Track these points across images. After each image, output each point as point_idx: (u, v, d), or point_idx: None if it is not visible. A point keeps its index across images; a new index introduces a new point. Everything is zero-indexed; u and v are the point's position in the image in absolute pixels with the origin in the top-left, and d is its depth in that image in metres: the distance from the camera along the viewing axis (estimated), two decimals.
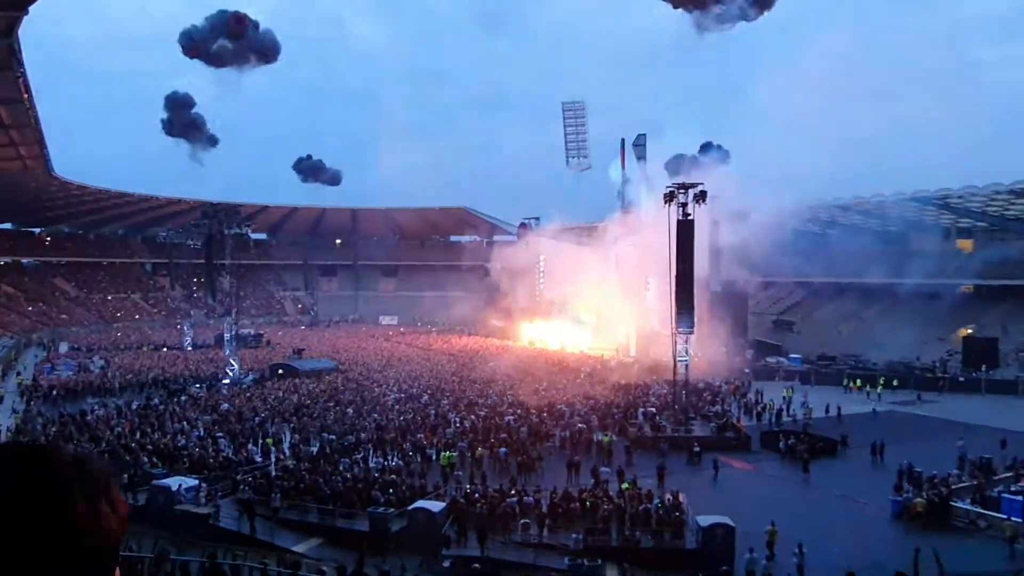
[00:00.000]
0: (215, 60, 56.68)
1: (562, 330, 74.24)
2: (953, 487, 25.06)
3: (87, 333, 76.95)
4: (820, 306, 71.46)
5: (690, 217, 37.94)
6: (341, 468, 26.97)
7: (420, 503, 22.35)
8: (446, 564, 20.26)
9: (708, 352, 52.24)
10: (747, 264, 59.80)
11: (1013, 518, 21.62)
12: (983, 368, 50.14)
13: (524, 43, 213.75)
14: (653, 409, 38.57)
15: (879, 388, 46.76)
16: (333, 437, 31.76)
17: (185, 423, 34.66)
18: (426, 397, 41.46)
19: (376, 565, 18.70)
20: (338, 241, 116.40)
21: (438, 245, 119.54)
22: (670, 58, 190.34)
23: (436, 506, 22.22)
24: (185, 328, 69.77)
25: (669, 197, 38.11)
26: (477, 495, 23.71)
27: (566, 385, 46.29)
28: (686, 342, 38.05)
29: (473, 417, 35.78)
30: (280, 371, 50.90)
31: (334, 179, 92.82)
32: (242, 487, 24.70)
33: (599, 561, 19.47)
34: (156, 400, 41.00)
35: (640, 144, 73.06)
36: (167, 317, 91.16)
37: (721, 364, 52.04)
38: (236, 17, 56.17)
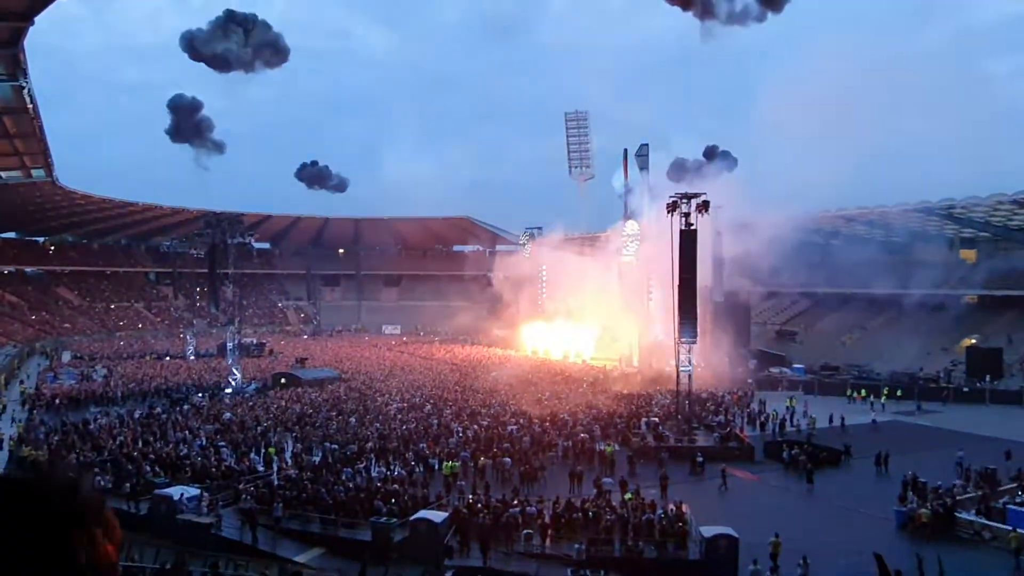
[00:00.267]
0: (221, 63, 55.60)
1: (565, 338, 74.17)
2: (957, 498, 24.93)
3: (90, 342, 77.03)
4: (823, 316, 71.37)
5: (693, 227, 37.93)
6: (343, 478, 26.91)
7: (422, 513, 22.27)
8: (448, 575, 20.19)
9: (711, 362, 52.16)
10: (750, 274, 59.77)
11: (1019, 529, 21.49)
12: (987, 378, 49.96)
13: (530, 53, 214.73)
14: (656, 419, 38.46)
15: (883, 399, 46.58)
16: (336, 447, 31.70)
17: (187, 432, 34.62)
18: (429, 407, 41.38)
19: (378, 575, 18.64)
20: (341, 251, 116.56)
21: (441, 255, 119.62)
22: (674, 69, 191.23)
23: (438, 516, 22.14)
24: (188, 337, 69.83)
25: (672, 207, 38.10)
26: (480, 505, 23.63)
27: (569, 395, 46.19)
28: (689, 352, 37.99)
29: (476, 427, 35.69)
30: (283, 380, 50.89)
31: (340, 185, 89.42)
32: (244, 497, 24.64)
33: (602, 572, 19.40)
34: (159, 409, 40.96)
35: (643, 154, 73.10)
36: (170, 326, 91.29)
37: (724, 374, 51.93)
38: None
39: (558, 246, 79.59)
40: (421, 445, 32.21)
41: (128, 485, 25.75)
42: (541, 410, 40.08)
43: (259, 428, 35.75)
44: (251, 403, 43.28)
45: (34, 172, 60.04)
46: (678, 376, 37.73)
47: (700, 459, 31.40)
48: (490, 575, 19.79)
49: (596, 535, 21.88)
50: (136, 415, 38.83)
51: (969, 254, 65.78)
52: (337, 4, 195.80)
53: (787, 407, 42.21)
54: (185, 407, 41.72)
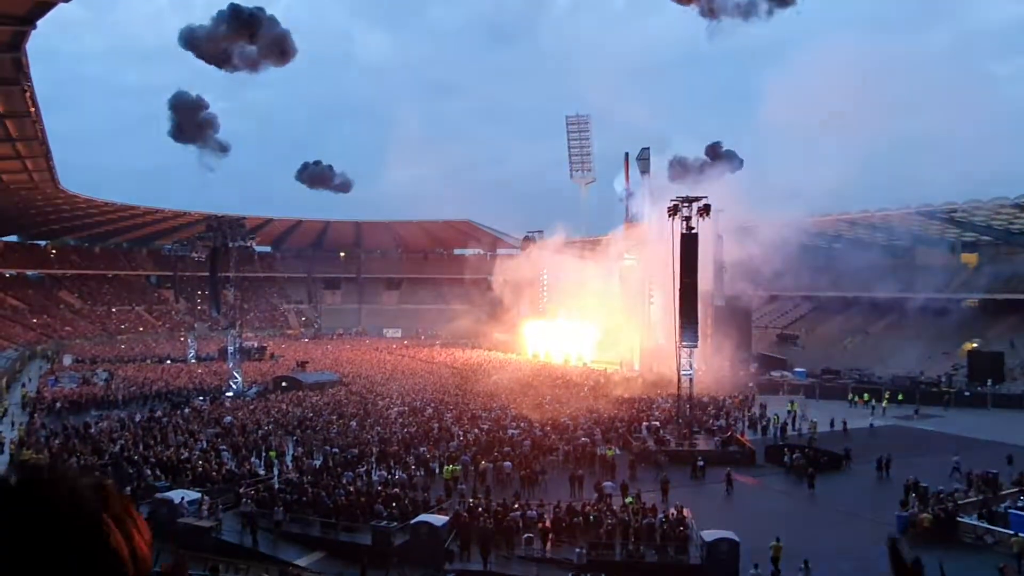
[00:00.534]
0: (224, 59, 53.47)
1: (566, 342, 74.14)
2: (959, 502, 24.88)
3: (91, 345, 77.05)
4: (825, 320, 71.31)
5: (694, 231, 37.92)
6: (344, 481, 26.91)
7: (423, 517, 22.26)
8: None
9: (712, 366, 52.10)
10: (751, 278, 59.71)
11: (1020, 533, 21.45)
12: (989, 382, 49.87)
13: (531, 57, 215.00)
14: (657, 423, 38.43)
15: (884, 403, 46.51)
16: (336, 450, 31.70)
17: (188, 436, 34.63)
18: (430, 410, 41.36)
19: None
20: (342, 254, 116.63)
21: (441, 258, 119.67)
22: (676, 72, 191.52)
23: (439, 520, 22.12)
24: (189, 341, 69.86)
25: (673, 211, 38.09)
26: (480, 509, 23.61)
27: (569, 399, 46.16)
28: (690, 356, 37.96)
29: (476, 431, 35.68)
30: (284, 384, 50.90)
31: (344, 186, 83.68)
32: (245, 500, 24.64)
33: None
34: (159, 413, 40.97)
35: (644, 158, 73.14)
36: (171, 330, 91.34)
37: (725, 378, 51.87)
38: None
39: (559, 249, 79.57)
40: (422, 449, 32.20)
41: (129, 488, 25.71)
42: (542, 414, 40.06)
43: (260, 432, 35.77)
44: (252, 407, 43.29)
45: (36, 175, 60.09)
46: (679, 380, 37.69)
47: (701, 463, 31.37)
48: None
49: (597, 539, 21.86)
50: (137, 418, 38.84)
51: (971, 258, 65.69)
52: (338, 8, 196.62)
53: (788, 411, 42.16)
54: (186, 411, 41.72)
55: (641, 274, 61.41)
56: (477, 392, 48.48)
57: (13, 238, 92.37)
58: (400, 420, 38.62)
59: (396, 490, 25.73)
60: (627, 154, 74.91)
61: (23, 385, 51.92)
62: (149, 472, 27.54)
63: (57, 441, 32.59)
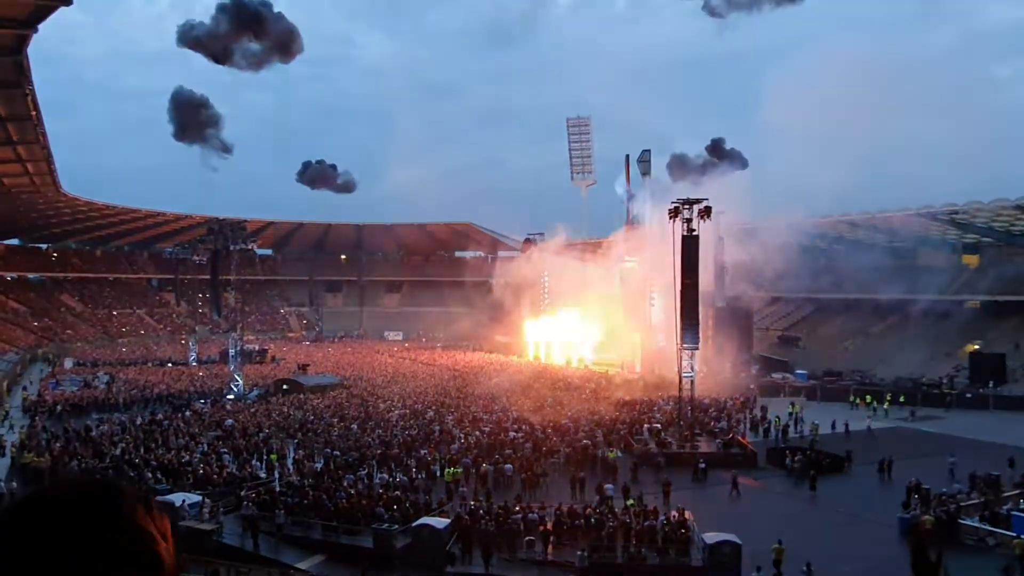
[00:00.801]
0: (225, 54, 51.19)
1: (566, 344, 74.12)
2: (961, 504, 24.83)
3: (92, 348, 77.08)
4: (826, 322, 71.25)
5: (695, 232, 37.91)
6: (345, 484, 26.88)
7: (424, 520, 22.23)
8: None
9: (713, 368, 52.06)
10: (753, 279, 59.67)
11: (1023, 535, 21.40)
12: (991, 384, 49.81)
13: (531, 59, 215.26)
14: (658, 425, 38.40)
15: (886, 404, 46.45)
16: (337, 453, 31.67)
17: (189, 439, 34.61)
18: (431, 413, 41.34)
19: None
20: (343, 257, 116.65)
21: (442, 260, 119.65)
22: (676, 75, 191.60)
23: (440, 523, 22.09)
24: (190, 343, 69.85)
25: (674, 212, 38.09)
26: (482, 512, 23.58)
27: (571, 401, 46.13)
28: (691, 358, 37.92)
29: (478, 433, 35.65)
30: (285, 387, 50.87)
31: (346, 186, 79.61)
32: (246, 503, 24.61)
33: None
34: (160, 415, 40.96)
35: (645, 160, 73.18)
36: (172, 333, 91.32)
37: (726, 380, 51.82)
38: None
39: (560, 252, 79.52)
40: (423, 451, 32.18)
41: None
42: (543, 416, 40.03)
43: (261, 434, 35.76)
44: (253, 409, 43.27)
45: (37, 179, 60.15)
46: (680, 382, 37.65)
47: (703, 465, 31.33)
48: None
49: (598, 542, 21.82)
50: (138, 421, 38.84)
51: (972, 259, 65.65)
52: (337, 11, 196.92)
53: (789, 413, 42.09)
54: (187, 413, 41.70)
55: (642, 276, 61.40)
56: (478, 395, 48.45)
57: (14, 241, 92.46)
58: (401, 423, 38.59)
59: (397, 493, 25.70)
60: (628, 156, 75.03)
61: (24, 388, 51.93)
62: (150, 475, 27.51)
63: (58, 444, 32.59)
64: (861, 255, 66.92)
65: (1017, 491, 26.58)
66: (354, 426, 37.42)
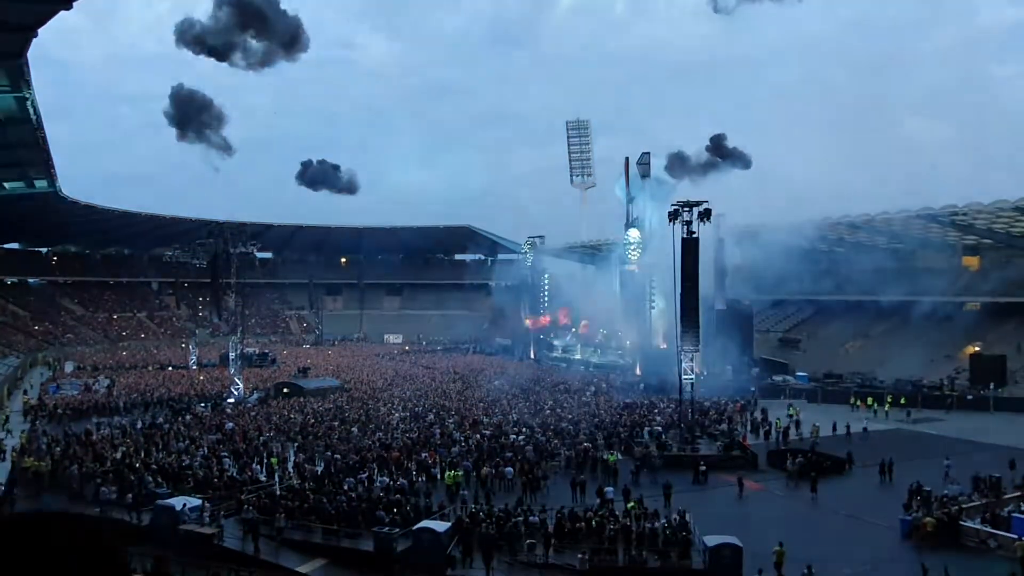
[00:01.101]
0: (226, 51, 49.62)
1: (566, 347, 74.25)
2: (963, 506, 24.79)
3: (93, 352, 77.12)
4: (827, 324, 71.25)
5: (695, 235, 37.92)
6: (346, 488, 26.85)
7: (425, 523, 22.17)
8: None
9: (714, 370, 52.08)
10: (753, 282, 59.71)
11: None
12: (991, 386, 49.81)
13: (532, 62, 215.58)
14: (659, 428, 38.38)
15: (886, 406, 46.44)
16: (338, 456, 31.63)
17: (190, 442, 34.58)
18: (431, 416, 41.32)
19: None
20: (343, 260, 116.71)
21: (442, 263, 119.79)
22: (676, 77, 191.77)
23: (441, 526, 22.04)
24: (190, 347, 69.85)
25: (673, 215, 38.10)
26: (482, 515, 23.55)
27: (571, 404, 46.11)
28: (691, 360, 37.91)
29: (478, 436, 35.64)
30: (285, 390, 50.86)
31: (350, 186, 78.58)
32: (246, 507, 24.56)
33: None
34: (161, 419, 40.93)
35: (644, 162, 73.08)
36: (173, 336, 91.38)
37: (727, 382, 51.82)
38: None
39: (560, 254, 79.63)
40: (423, 455, 32.16)
41: (130, 496, 25.69)
42: (544, 419, 40.02)
43: (261, 438, 35.73)
44: (253, 413, 43.25)
45: (37, 183, 60.23)
46: (680, 384, 37.65)
47: (703, 468, 31.31)
48: None
49: (599, 545, 21.77)
50: (138, 425, 38.83)
51: (972, 261, 65.68)
52: (338, 13, 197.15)
53: (789, 415, 42.07)
54: (187, 417, 41.68)
55: (642, 278, 61.42)
56: (478, 398, 48.44)
57: (14, 245, 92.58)
58: (401, 426, 38.58)
59: (398, 496, 25.66)
60: (627, 159, 74.86)
61: (24, 392, 51.90)
62: (150, 479, 27.44)
63: (58, 448, 32.55)
64: (861, 257, 66.98)
65: (1018, 493, 26.56)
66: (354, 429, 37.39)
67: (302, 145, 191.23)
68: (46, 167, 55.78)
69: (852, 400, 48.99)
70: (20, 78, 38.63)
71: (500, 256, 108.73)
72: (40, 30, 32.58)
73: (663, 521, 22.87)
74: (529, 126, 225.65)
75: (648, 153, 73.58)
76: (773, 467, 32.98)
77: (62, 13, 31.10)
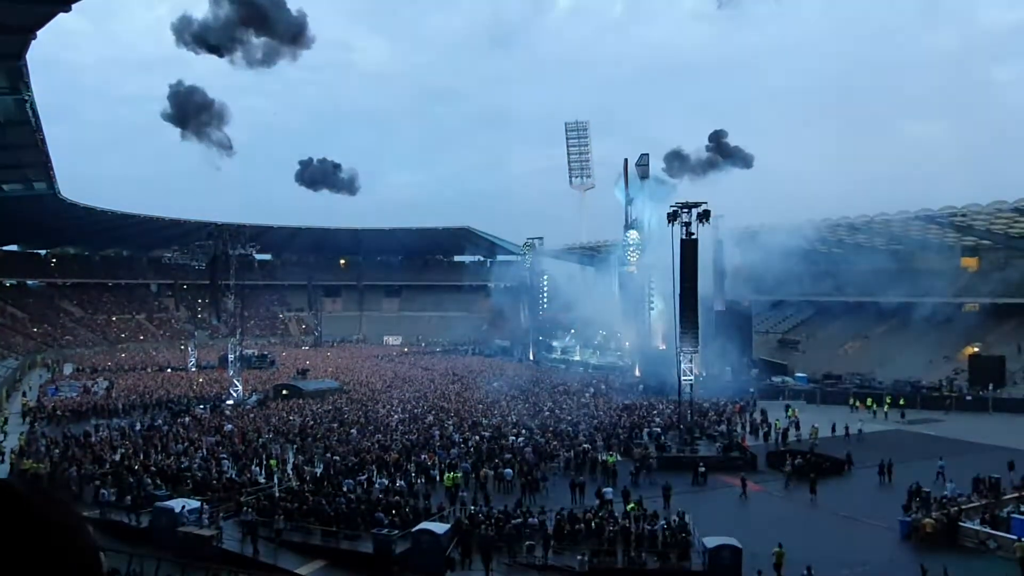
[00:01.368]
0: (226, 47, 48.18)
1: (565, 348, 74.24)
2: (962, 507, 24.80)
3: (92, 354, 77.00)
4: (826, 325, 71.23)
5: (694, 236, 37.93)
6: (345, 489, 26.84)
7: (424, 524, 22.17)
8: None
9: (713, 371, 52.07)
10: (752, 283, 59.70)
11: (1023, 538, 21.37)
12: (990, 387, 49.81)
13: (530, 63, 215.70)
14: (658, 429, 38.38)
15: (885, 407, 46.43)
16: (337, 458, 31.62)
17: (189, 444, 34.55)
18: (430, 417, 41.30)
19: None
20: (342, 262, 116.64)
21: (441, 265, 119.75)
22: (675, 78, 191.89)
23: (440, 528, 22.04)
24: (189, 349, 69.79)
25: (672, 216, 38.13)
26: (482, 516, 23.55)
27: (570, 405, 46.11)
28: (690, 361, 37.91)
29: (477, 438, 35.63)
30: (284, 392, 50.82)
31: (350, 185, 75.60)
32: (245, 509, 24.55)
33: None
34: (160, 421, 40.89)
35: (643, 164, 73.12)
36: (172, 338, 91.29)
37: (726, 383, 51.82)
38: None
39: (559, 256, 79.65)
40: (423, 456, 32.15)
41: (129, 498, 25.67)
42: (543, 420, 40.02)
43: (260, 440, 35.70)
44: (252, 415, 43.22)
45: (36, 185, 60.19)
46: (680, 385, 37.63)
47: (703, 469, 31.31)
48: None
49: (598, 546, 21.78)
50: (137, 427, 38.79)
51: (971, 262, 65.68)
52: (336, 15, 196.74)
53: (787, 416, 42.05)
54: (186, 419, 41.63)
55: (641, 280, 61.43)
56: (477, 399, 48.42)
57: (13, 247, 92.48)
58: (401, 427, 38.57)
59: (397, 498, 25.67)
60: (626, 160, 74.93)
61: (23, 394, 51.84)
62: (149, 481, 27.45)
63: (57, 450, 32.51)
64: (860, 258, 66.93)
65: (1017, 494, 26.56)
66: (353, 431, 37.38)
67: (300, 148, 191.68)
68: (45, 169, 55.72)
69: (851, 401, 48.97)
70: (19, 80, 38.61)
71: (499, 257, 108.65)
72: (39, 32, 32.58)
73: (662, 522, 22.89)
74: (528, 127, 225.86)
75: (647, 154, 73.68)
76: (772, 468, 32.99)
77: (61, 15, 31.11)
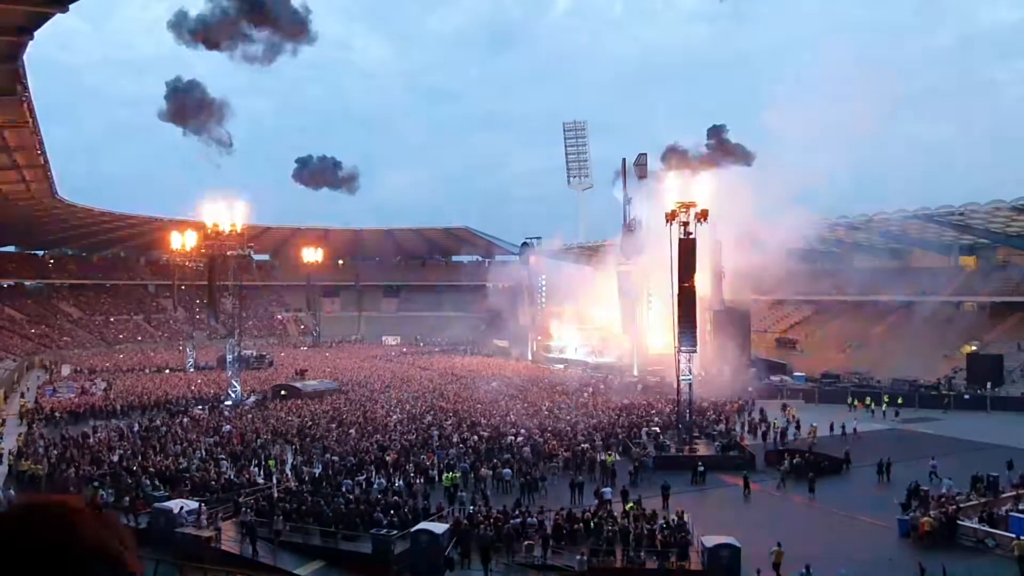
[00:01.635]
0: (225, 40, 47.17)
1: (565, 348, 74.22)
2: (961, 505, 24.82)
3: (90, 355, 76.85)
4: (824, 324, 71.27)
5: (692, 235, 37.95)
6: (343, 490, 26.83)
7: (423, 525, 22.16)
8: None
9: (711, 371, 52.05)
10: (750, 282, 59.64)
11: (1022, 536, 21.40)
12: (988, 385, 49.86)
13: (529, 63, 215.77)
14: (657, 429, 38.38)
15: (883, 406, 46.45)
16: (336, 458, 31.62)
17: (187, 445, 34.51)
18: (429, 417, 41.29)
19: None
20: (340, 262, 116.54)
21: (440, 265, 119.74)
22: (673, 78, 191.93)
23: (439, 528, 22.03)
24: (187, 350, 69.71)
25: (671, 216, 38.15)
26: (480, 516, 23.54)
27: (569, 405, 46.10)
28: (689, 361, 37.92)
29: (476, 437, 35.63)
30: (282, 392, 50.78)
31: (349, 181, 73.11)
32: (244, 509, 24.53)
33: None
34: (158, 422, 40.83)
35: (641, 163, 73.07)
36: (170, 339, 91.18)
37: (725, 383, 51.81)
38: None
39: (557, 255, 79.60)
40: (421, 456, 32.15)
41: (127, 498, 25.64)
42: (541, 420, 40.00)
43: (259, 440, 35.67)
44: (251, 415, 43.18)
45: (34, 185, 60.09)
46: (678, 385, 37.64)
47: (701, 468, 31.32)
48: None
49: (597, 545, 21.79)
50: (135, 428, 38.72)
51: (969, 261, 65.78)
52: (335, 15, 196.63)
53: (785, 416, 42.04)
54: (184, 420, 41.59)
55: (639, 279, 61.38)
56: (476, 399, 48.41)
57: (11, 248, 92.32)
58: (399, 428, 38.55)
59: (396, 498, 25.67)
60: (624, 160, 74.89)
61: (21, 395, 51.75)
62: (147, 482, 27.43)
63: (55, 451, 32.47)
64: (859, 257, 66.99)
65: (1015, 492, 26.59)
66: (352, 431, 37.37)
67: (299, 148, 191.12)
68: (43, 169, 55.62)
69: (849, 400, 48.99)
70: (17, 80, 38.52)
71: (497, 257, 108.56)
72: (37, 32, 32.50)
73: (661, 522, 22.89)
74: (526, 127, 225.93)
75: (645, 154, 73.60)
76: (771, 467, 33.01)
77: (59, 16, 31.03)
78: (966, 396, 48.97)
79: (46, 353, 74.76)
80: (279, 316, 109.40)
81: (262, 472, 30.63)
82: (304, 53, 45.55)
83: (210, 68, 77.29)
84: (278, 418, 41.87)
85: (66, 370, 64.47)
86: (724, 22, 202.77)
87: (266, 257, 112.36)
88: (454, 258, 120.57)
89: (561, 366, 69.61)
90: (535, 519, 23.23)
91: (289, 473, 30.62)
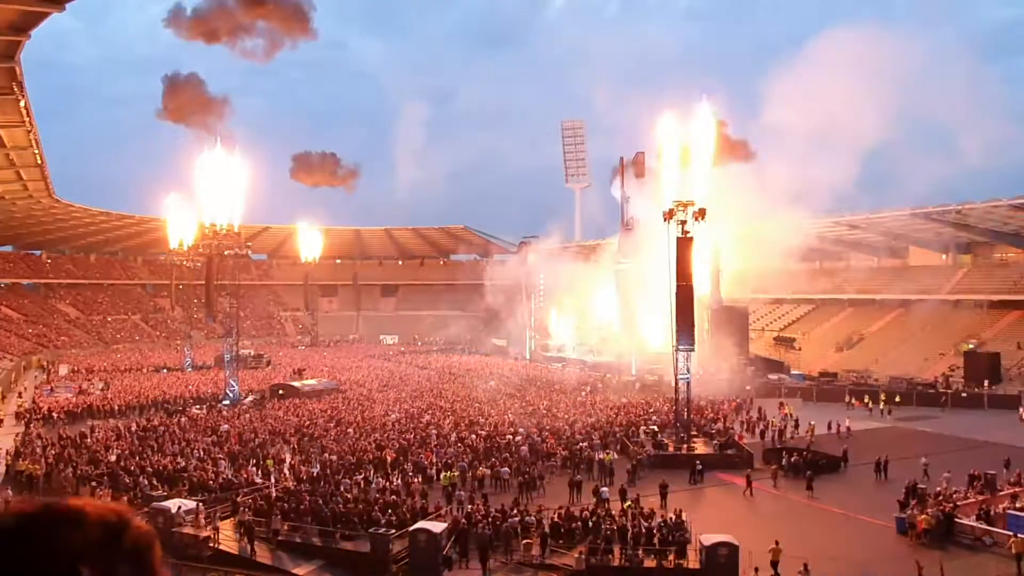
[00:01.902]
0: (225, 33, 46.46)
1: (563, 347, 74.22)
2: (958, 503, 24.86)
3: (87, 355, 76.77)
4: (822, 322, 71.38)
5: (690, 234, 37.95)
6: (342, 489, 26.82)
7: (421, 524, 22.15)
8: None
9: (709, 369, 52.08)
10: (748, 280, 59.72)
11: (1019, 534, 21.43)
12: (985, 383, 49.94)
13: (526, 62, 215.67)
14: (655, 427, 38.40)
15: (881, 404, 46.51)
16: (334, 458, 31.61)
17: (185, 444, 34.48)
18: (427, 417, 41.30)
19: None
20: (338, 261, 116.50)
21: (438, 264, 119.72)
22: (671, 77, 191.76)
23: (437, 527, 22.02)
24: (185, 349, 69.65)
25: (669, 214, 38.15)
26: (479, 515, 23.54)
27: (567, 404, 46.13)
28: (687, 359, 37.94)
29: (474, 436, 35.64)
30: (280, 392, 50.76)
31: (350, 178, 69.62)
32: (242, 509, 24.51)
33: None
34: (156, 421, 40.78)
35: (639, 162, 73.07)
36: (167, 338, 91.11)
37: (723, 381, 51.84)
38: None
39: (555, 254, 79.59)
40: (419, 455, 32.14)
41: (125, 498, 25.60)
42: (539, 419, 40.02)
43: (257, 440, 35.64)
44: (248, 415, 43.15)
45: (31, 185, 60.04)
46: (676, 384, 37.65)
47: (699, 467, 31.33)
48: None
49: (595, 544, 21.79)
50: (133, 427, 38.66)
51: (967, 259, 65.89)
52: (331, 15, 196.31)
53: (787, 416, 42.07)
54: (182, 419, 41.54)
55: (637, 278, 61.39)
56: (474, 398, 48.43)
57: (8, 248, 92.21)
58: (397, 427, 38.54)
59: (394, 497, 25.66)
60: (622, 158, 74.90)
61: (19, 395, 51.69)
62: (145, 482, 27.40)
63: (53, 451, 32.43)
64: (857, 255, 67.02)
65: (1012, 490, 26.63)
66: (350, 431, 37.37)
67: (297, 148, 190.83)
68: (40, 169, 55.57)
69: (847, 398, 49.06)
70: (13, 80, 38.47)
71: (495, 256, 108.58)
72: (33, 32, 32.46)
73: (659, 520, 22.90)
74: (524, 126, 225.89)
75: (643, 152, 73.62)
76: (769, 466, 33.02)
77: (55, 15, 30.99)
78: (963, 394, 49.05)
79: (43, 353, 74.66)
80: (277, 315, 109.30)
81: (260, 471, 30.58)
82: (302, 52, 45.70)
83: (210, 69, 77.10)
84: (276, 417, 41.85)
85: (63, 370, 64.38)
86: (721, 18, 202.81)
87: (264, 256, 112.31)
88: (452, 257, 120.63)
89: (559, 365, 69.63)
90: (533, 518, 23.23)
91: (287, 472, 30.59)
